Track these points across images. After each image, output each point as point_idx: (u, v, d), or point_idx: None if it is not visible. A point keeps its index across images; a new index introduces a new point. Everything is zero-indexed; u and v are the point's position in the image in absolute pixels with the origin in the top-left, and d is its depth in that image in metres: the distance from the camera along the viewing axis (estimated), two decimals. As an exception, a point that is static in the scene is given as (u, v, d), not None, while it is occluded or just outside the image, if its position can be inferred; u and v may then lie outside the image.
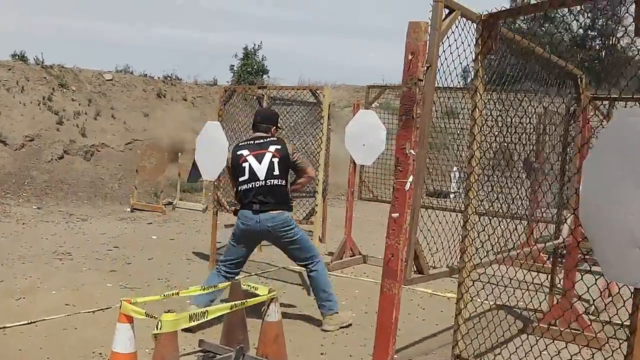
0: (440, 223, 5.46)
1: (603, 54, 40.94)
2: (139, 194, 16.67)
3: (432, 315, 7.83)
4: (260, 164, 6.93)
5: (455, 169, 12.91)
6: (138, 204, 16.19)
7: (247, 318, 6.12)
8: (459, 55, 4.64)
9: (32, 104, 17.99)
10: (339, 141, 11.19)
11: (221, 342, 5.93)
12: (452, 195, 14.65)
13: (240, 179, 7.00)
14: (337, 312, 7.14)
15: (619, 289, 3.58)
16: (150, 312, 4.88)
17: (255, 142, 7.14)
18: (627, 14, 3.60)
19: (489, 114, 5.04)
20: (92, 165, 17.90)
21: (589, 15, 41.02)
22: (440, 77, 4.52)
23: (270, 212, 6.86)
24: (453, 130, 8.82)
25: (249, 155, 7.01)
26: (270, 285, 8.09)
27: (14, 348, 5.97)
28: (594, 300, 4.93)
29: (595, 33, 42.14)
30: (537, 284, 6.59)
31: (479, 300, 5.47)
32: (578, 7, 37.92)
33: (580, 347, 4.30)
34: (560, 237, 6.74)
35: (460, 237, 5.14)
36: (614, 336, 4.41)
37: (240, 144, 7.28)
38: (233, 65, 31.09)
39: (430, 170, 5.35)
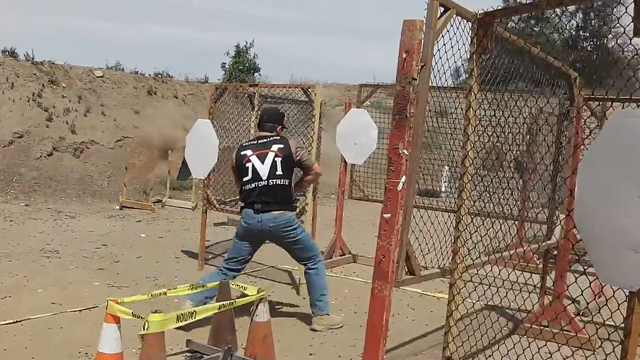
0: (432, 224, 5.40)
1: (595, 55, 41.04)
2: (128, 192, 16.57)
3: (422, 316, 7.78)
4: (262, 163, 6.91)
5: (446, 168, 12.87)
6: (127, 201, 16.09)
7: (236, 318, 6.06)
8: (453, 55, 4.59)
9: (22, 100, 17.89)
10: (330, 140, 11.13)
11: (209, 342, 5.86)
12: (442, 195, 14.61)
13: (244, 179, 6.98)
14: (328, 314, 7.10)
15: (614, 292, 3.52)
16: (137, 312, 4.82)
17: (259, 141, 7.12)
18: (624, 14, 3.54)
19: (483, 113, 4.98)
20: (81, 162, 17.79)
21: (580, 16, 41.12)
22: (435, 76, 4.47)
23: (272, 212, 6.83)
24: (444, 130, 8.79)
25: (252, 155, 6.99)
26: (259, 284, 8.02)
27: (-1, 347, 5.89)
28: (587, 304, 4.88)
29: (587, 34, 42.23)
30: (528, 284, 6.55)
31: (470, 301, 5.42)
32: (571, 8, 37.96)
33: (573, 350, 4.24)
34: (553, 238, 6.71)
35: (452, 237, 5.10)
36: (608, 339, 4.36)
37: (244, 144, 7.27)
38: (225, 63, 31.07)
39: (422, 169, 5.31)
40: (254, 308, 5.64)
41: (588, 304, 4.96)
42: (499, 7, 4.77)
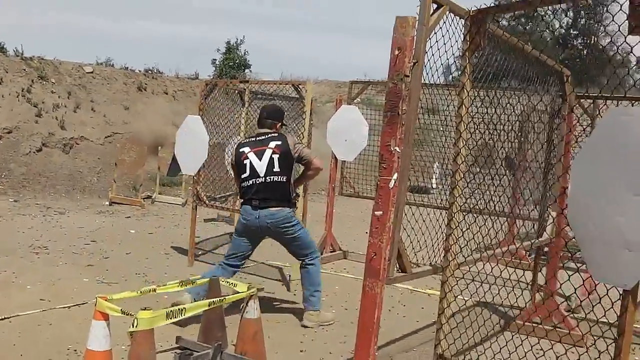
0: (424, 221, 5.38)
1: (585, 52, 41.16)
2: (118, 188, 16.51)
3: (413, 312, 7.77)
4: (260, 160, 6.91)
5: (436, 165, 12.87)
6: (117, 197, 16.05)
7: (226, 314, 6.03)
8: (446, 52, 4.56)
9: (11, 95, 17.80)
10: (320, 136, 11.12)
11: (199, 339, 5.82)
12: (433, 192, 14.61)
13: (242, 176, 6.99)
14: (319, 311, 7.09)
15: (608, 290, 3.50)
16: (127, 309, 4.78)
17: (257, 138, 7.13)
18: (619, 12, 3.52)
19: (475, 111, 4.96)
20: (70, 158, 17.72)
21: (571, 14, 41.23)
22: (427, 74, 4.44)
23: (270, 208, 6.83)
24: (435, 127, 8.78)
25: (250, 152, 6.99)
26: (249, 280, 7.99)
27: (-13, 344, 5.85)
28: (581, 302, 4.87)
29: (577, 32, 42.34)
30: (520, 281, 6.54)
31: (462, 298, 5.41)
32: (563, 6, 38.02)
33: (567, 348, 4.22)
34: (544, 235, 6.70)
35: (443, 234, 5.08)
36: (601, 336, 4.35)
37: (243, 142, 7.32)
38: (215, 60, 31.04)
39: (412, 166, 5.30)
40: (244, 305, 5.61)
41: (582, 301, 4.94)
42: (492, 4, 4.76)
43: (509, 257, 5.81)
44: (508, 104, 5.27)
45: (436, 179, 14.42)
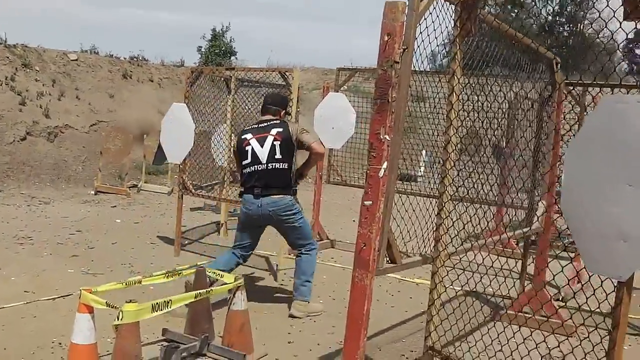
0: (414, 210, 5.31)
1: (570, 40, 41.23)
2: (103, 177, 16.40)
3: (401, 302, 7.73)
4: (262, 147, 6.89)
5: (424, 153, 12.84)
6: (102, 186, 15.94)
7: (213, 306, 5.96)
8: (436, 38, 4.48)
9: (-6, 83, 17.60)
10: (307, 124, 11.02)
11: (185, 331, 5.76)
12: (419, 179, 14.57)
13: (244, 163, 6.99)
14: (308, 302, 7.04)
15: (602, 281, 3.44)
16: (112, 300, 4.72)
17: (260, 125, 7.11)
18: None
19: (466, 98, 4.89)
20: (55, 147, 17.54)
21: (557, 1, 41.26)
22: (417, 60, 4.36)
23: (272, 196, 6.83)
24: (423, 114, 8.72)
25: (252, 138, 6.98)
26: (236, 270, 7.91)
27: (-31, 337, 5.75)
28: (574, 293, 4.81)
29: (564, 19, 42.39)
30: (513, 271, 6.49)
31: (452, 288, 5.35)
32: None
33: (560, 341, 4.17)
34: (535, 223, 6.65)
35: (433, 224, 5.02)
36: (595, 328, 4.30)
37: (245, 129, 7.30)
38: (201, 47, 30.92)
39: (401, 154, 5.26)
40: (231, 296, 5.56)
41: (575, 293, 4.89)
42: (483, -10, 4.69)
43: (499, 246, 5.75)
44: (498, 91, 5.20)
45: (424, 166, 14.40)
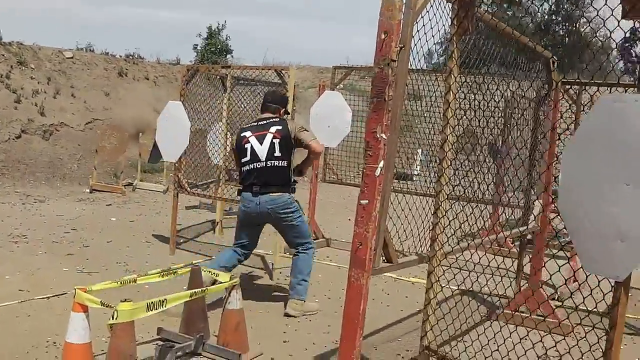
0: (410, 209, 5.30)
1: (566, 39, 41.25)
2: (99, 175, 16.39)
3: (397, 301, 7.71)
4: (261, 144, 6.89)
5: (420, 151, 12.82)
6: (97, 184, 15.93)
7: (208, 305, 5.95)
8: (433, 36, 4.46)
9: (-11, 81, 17.56)
10: (303, 122, 11.00)
11: (180, 330, 5.74)
12: (415, 178, 14.57)
13: (243, 160, 6.98)
14: (304, 301, 7.02)
15: (599, 280, 3.42)
16: (107, 299, 4.69)
17: (259, 123, 7.11)
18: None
19: (463, 96, 4.87)
20: (50, 145, 17.50)
21: (553, 0, 41.27)
22: (414, 59, 4.34)
23: (271, 194, 6.82)
24: (418, 113, 8.72)
25: (251, 136, 6.97)
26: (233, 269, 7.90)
27: (-37, 336, 5.71)
28: (572, 293, 4.79)
29: (560, 18, 42.39)
30: (510, 271, 6.47)
31: (448, 287, 5.34)
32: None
33: (557, 340, 4.16)
34: (531, 223, 6.64)
35: (428, 223, 5.00)
36: (592, 327, 4.29)
37: (244, 126, 7.32)
38: (197, 45, 30.87)
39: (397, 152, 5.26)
40: (226, 295, 5.54)
41: (572, 292, 4.86)
42: (480, -12, 4.66)
43: (496, 245, 5.74)
44: (495, 90, 5.18)
45: (420, 165, 14.38)
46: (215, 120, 10.93)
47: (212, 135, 10.99)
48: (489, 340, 4.62)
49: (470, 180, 5.22)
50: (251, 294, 7.43)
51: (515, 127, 6.31)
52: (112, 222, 12.01)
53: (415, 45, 4.29)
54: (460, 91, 4.78)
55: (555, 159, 6.33)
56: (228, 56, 30.49)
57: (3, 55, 18.48)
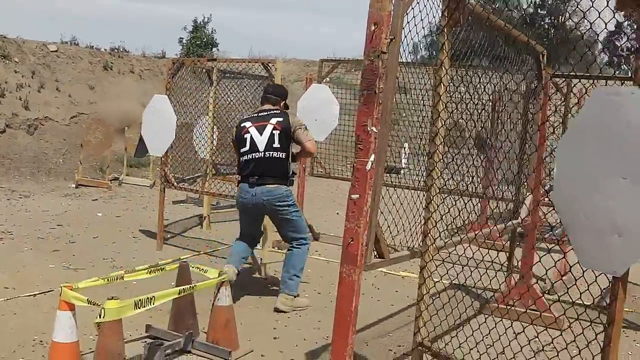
0: (402, 203, 5.24)
1: (552, 32, 41.33)
2: (84, 169, 16.27)
3: (387, 295, 7.67)
4: (261, 135, 6.89)
5: (406, 145, 12.79)
6: (83, 179, 15.81)
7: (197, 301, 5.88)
8: (423, 28, 4.40)
9: (-28, 75, 17.40)
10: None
11: (169, 327, 5.68)
12: (402, 171, 14.54)
13: (242, 150, 6.97)
14: (295, 297, 6.97)
15: (598, 276, 3.38)
16: (93, 297, 4.63)
17: (260, 114, 7.11)
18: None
19: (454, 89, 4.82)
20: (35, 139, 17.35)
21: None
22: (404, 51, 4.28)
23: (267, 185, 6.81)
24: (405, 106, 8.67)
25: (251, 126, 6.98)
26: (220, 264, 7.82)
27: (-53, 335, 5.63)
28: (568, 289, 4.73)
29: (545, 12, 42.47)
30: (502, 265, 6.44)
31: (441, 282, 5.29)
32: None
33: (554, 337, 4.11)
34: (519, 217, 6.60)
35: (420, 216, 4.95)
36: (590, 323, 4.26)
37: (245, 117, 7.36)
38: (182, 38, 30.76)
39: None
40: (215, 291, 5.48)
41: (568, 288, 4.81)
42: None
43: (488, 240, 5.71)
44: (487, 83, 5.13)
45: (407, 158, 14.36)
46: (202, 113, 10.88)
47: (199, 129, 10.93)
48: (483, 337, 4.57)
49: (462, 173, 5.17)
50: (240, 289, 7.37)
51: (508, 120, 6.25)
52: (98, 217, 11.91)
53: (405, 37, 4.23)
54: (451, 84, 4.72)
55: (548, 153, 6.30)
56: (214, 49, 30.44)
57: (-14, 49, 18.34)
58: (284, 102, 7.28)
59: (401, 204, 5.18)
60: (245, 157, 6.91)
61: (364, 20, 3.84)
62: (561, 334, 4.11)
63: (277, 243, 9.32)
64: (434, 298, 5.06)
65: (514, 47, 5.97)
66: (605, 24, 3.30)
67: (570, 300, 3.95)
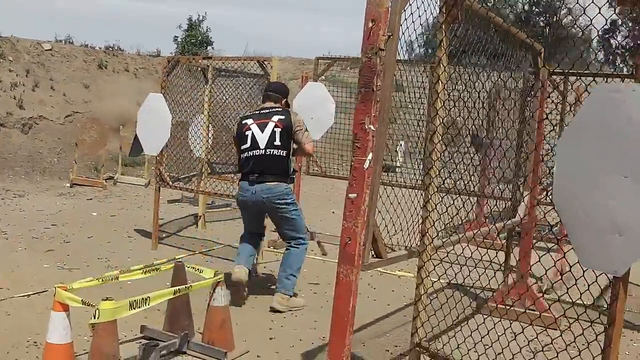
0: (399, 202, 5.20)
1: (547, 30, 41.35)
2: (79, 169, 16.21)
3: (383, 295, 7.63)
4: (262, 132, 6.87)
5: (402, 143, 12.74)
6: (78, 178, 15.74)
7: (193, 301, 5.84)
8: (421, 24, 4.36)
9: (-34, 74, 17.33)
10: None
11: (164, 327, 5.64)
12: (398, 170, 14.50)
13: (242, 147, 6.95)
14: (291, 296, 6.93)
15: (598, 274, 3.34)
16: (88, 297, 4.59)
17: (261, 111, 7.08)
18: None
19: (453, 87, 4.77)
20: (29, 138, 17.29)
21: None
22: (402, 48, 4.23)
23: (267, 183, 6.79)
24: (402, 104, 8.64)
25: (252, 124, 6.96)
26: (215, 264, 7.79)
27: (-60, 336, 5.57)
28: (568, 288, 4.69)
29: (540, 9, 42.48)
30: (501, 265, 6.40)
31: (439, 282, 5.25)
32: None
33: (553, 337, 4.08)
34: (517, 216, 6.56)
35: (416, 216, 4.92)
36: (591, 323, 4.22)
37: (246, 114, 7.33)
38: (177, 37, 30.71)
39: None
40: (211, 292, 5.43)
41: (568, 287, 4.77)
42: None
43: (486, 239, 5.67)
44: (485, 80, 5.09)
45: (402, 157, 14.32)
46: (197, 112, 10.83)
47: (194, 127, 10.89)
48: (482, 337, 4.53)
49: (461, 173, 5.13)
50: (235, 289, 7.33)
51: (507, 118, 6.21)
52: (93, 216, 11.85)
53: (403, 33, 4.19)
54: (449, 81, 4.68)
55: (544, 151, 6.27)
56: (209, 48, 30.37)
57: (-20, 47, 18.28)
58: (285, 99, 7.25)
59: (398, 203, 5.14)
60: (245, 154, 6.89)
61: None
62: (561, 335, 4.06)
63: (273, 243, 9.29)
64: (431, 298, 5.00)
65: (511, 44, 5.93)
66: (606, 20, 3.26)
67: (570, 301, 3.90)
